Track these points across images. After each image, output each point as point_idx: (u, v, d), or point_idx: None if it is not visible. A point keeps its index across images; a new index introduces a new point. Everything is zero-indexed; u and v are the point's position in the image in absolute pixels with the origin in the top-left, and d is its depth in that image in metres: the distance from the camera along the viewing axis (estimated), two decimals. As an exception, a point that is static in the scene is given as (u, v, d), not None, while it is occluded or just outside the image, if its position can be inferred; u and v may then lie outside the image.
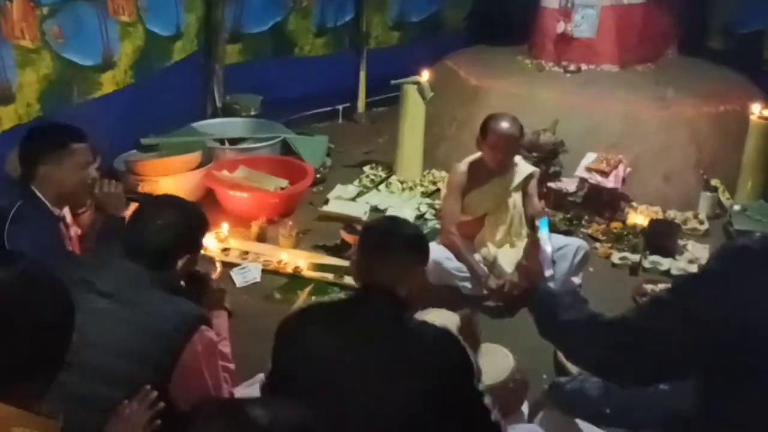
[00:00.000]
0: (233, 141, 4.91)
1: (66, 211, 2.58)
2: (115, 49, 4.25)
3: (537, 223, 2.25)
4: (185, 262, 2.06)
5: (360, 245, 1.98)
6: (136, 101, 4.42)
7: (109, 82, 4.24)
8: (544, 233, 2.18)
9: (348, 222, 3.98)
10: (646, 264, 3.79)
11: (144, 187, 3.97)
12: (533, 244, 2.18)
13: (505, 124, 3.29)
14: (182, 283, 2.22)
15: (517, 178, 3.42)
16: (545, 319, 1.93)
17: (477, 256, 3.42)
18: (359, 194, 4.61)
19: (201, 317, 1.97)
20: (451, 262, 3.34)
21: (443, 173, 4.74)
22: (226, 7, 5.22)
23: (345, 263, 3.68)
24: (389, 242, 1.91)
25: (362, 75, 6.18)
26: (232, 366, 2.21)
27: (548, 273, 2.12)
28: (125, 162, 4.30)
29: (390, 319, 1.82)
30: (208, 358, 1.95)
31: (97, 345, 1.75)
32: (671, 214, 4.36)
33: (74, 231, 2.66)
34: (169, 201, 2.17)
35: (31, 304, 1.30)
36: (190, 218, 2.09)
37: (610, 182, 4.21)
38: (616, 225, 4.16)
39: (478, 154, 3.41)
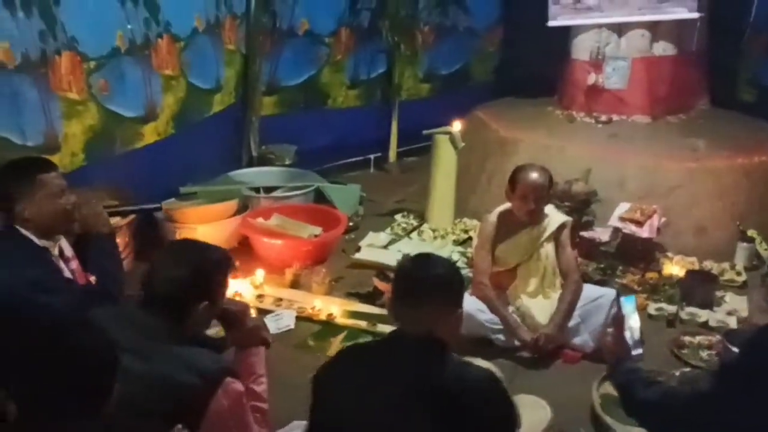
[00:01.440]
0: (268, 189, 5.00)
1: (64, 244, 2.54)
2: (157, 102, 4.39)
3: (621, 300, 2.18)
4: (204, 309, 1.99)
5: (393, 288, 1.93)
6: (175, 151, 4.53)
7: (150, 133, 4.37)
8: (628, 311, 2.11)
9: (380, 269, 4.00)
10: (684, 315, 3.72)
11: (181, 232, 4.04)
12: (616, 323, 2.09)
13: (533, 174, 3.29)
14: (212, 326, 2.20)
15: (549, 229, 3.40)
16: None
17: (510, 308, 3.40)
18: (391, 242, 4.64)
19: (224, 370, 1.91)
20: (483, 314, 3.33)
21: (475, 221, 4.76)
22: (263, 62, 5.40)
23: (378, 311, 3.70)
24: (421, 286, 1.85)
25: (394, 125, 6.30)
26: (265, 406, 2.17)
27: (635, 352, 2.05)
28: (164, 210, 4.39)
29: (426, 363, 1.77)
30: (235, 411, 1.91)
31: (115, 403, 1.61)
32: (708, 264, 4.30)
33: (75, 264, 2.59)
34: (183, 247, 2.12)
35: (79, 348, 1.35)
36: (203, 265, 2.01)
37: (644, 232, 4.17)
38: (651, 275, 4.11)
39: (507, 205, 3.42)
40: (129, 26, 4.06)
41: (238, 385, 1.95)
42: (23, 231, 2.38)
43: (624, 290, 3.90)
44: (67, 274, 2.49)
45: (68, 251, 2.56)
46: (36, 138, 3.53)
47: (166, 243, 2.27)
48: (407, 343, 1.81)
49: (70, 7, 3.59)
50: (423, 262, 1.94)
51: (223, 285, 2.10)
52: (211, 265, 2.04)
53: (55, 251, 2.49)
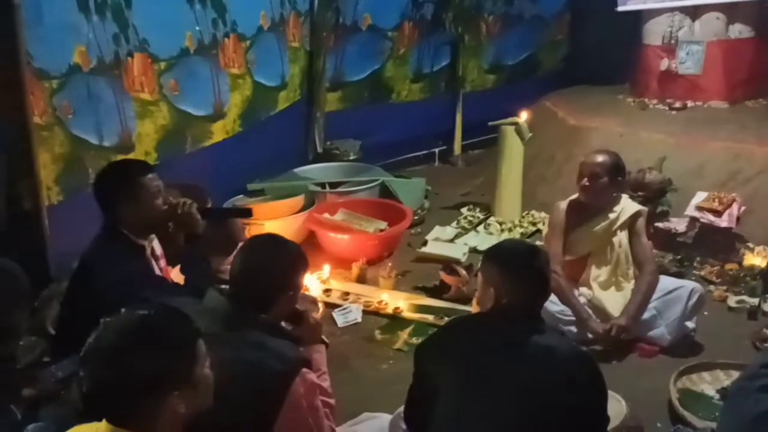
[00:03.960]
0: (333, 185, 5.04)
1: (155, 244, 2.63)
2: (225, 100, 4.49)
3: None
4: (285, 301, 2.07)
5: (499, 270, 2.00)
6: (243, 148, 4.63)
7: (219, 131, 4.46)
8: None
9: (447, 263, 3.97)
10: (767, 308, 3.56)
11: (249, 229, 4.11)
12: None
13: (593, 154, 3.31)
14: (283, 322, 2.25)
15: (623, 216, 3.29)
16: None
17: (581, 298, 3.31)
18: (457, 236, 4.60)
19: (302, 359, 1.96)
20: (554, 305, 3.25)
21: (543, 214, 4.67)
22: (327, 58, 5.43)
23: (445, 304, 3.67)
24: (534, 264, 1.99)
25: (458, 118, 6.24)
26: (332, 401, 2.20)
27: None
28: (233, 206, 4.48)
29: (534, 330, 1.91)
30: (309, 400, 1.95)
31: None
32: (792, 255, 4.09)
33: (163, 262, 2.68)
34: (267, 241, 2.20)
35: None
36: (286, 258, 2.09)
37: (723, 221, 4.00)
38: (731, 266, 3.94)
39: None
40: (197, 27, 4.16)
41: (313, 376, 1.99)
42: (126, 232, 2.49)
43: (702, 282, 3.76)
44: (158, 272, 2.60)
45: (158, 250, 2.66)
46: (111, 138, 3.66)
47: (249, 238, 2.33)
48: (513, 314, 1.94)
49: (142, 10, 3.71)
50: (526, 245, 2.25)
51: (302, 279, 2.17)
52: (292, 259, 2.12)
53: (149, 250, 2.59)
